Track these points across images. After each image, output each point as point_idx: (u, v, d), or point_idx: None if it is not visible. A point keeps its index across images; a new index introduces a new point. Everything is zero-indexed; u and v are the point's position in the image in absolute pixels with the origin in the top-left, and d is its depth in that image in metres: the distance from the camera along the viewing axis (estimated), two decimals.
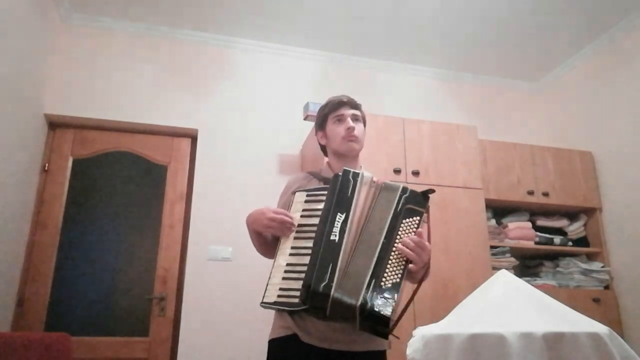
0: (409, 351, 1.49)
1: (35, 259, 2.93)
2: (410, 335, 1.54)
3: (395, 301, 1.24)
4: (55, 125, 3.20)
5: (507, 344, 1.38)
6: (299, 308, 1.32)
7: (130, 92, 3.29)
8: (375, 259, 1.30)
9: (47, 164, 3.11)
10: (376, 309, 1.23)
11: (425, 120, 3.24)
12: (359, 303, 1.24)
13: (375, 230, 1.35)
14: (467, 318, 1.53)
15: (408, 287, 1.37)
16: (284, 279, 1.38)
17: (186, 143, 3.37)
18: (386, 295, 1.25)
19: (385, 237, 1.34)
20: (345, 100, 1.67)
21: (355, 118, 1.67)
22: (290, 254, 1.41)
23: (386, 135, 3.06)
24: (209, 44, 3.53)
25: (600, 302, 3.17)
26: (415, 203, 1.39)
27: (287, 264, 1.40)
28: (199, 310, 2.96)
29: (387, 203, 1.39)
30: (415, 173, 3.00)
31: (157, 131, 3.33)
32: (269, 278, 1.41)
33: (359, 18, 3.34)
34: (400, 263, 1.31)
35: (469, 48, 3.68)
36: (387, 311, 1.23)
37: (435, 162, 3.07)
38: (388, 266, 1.30)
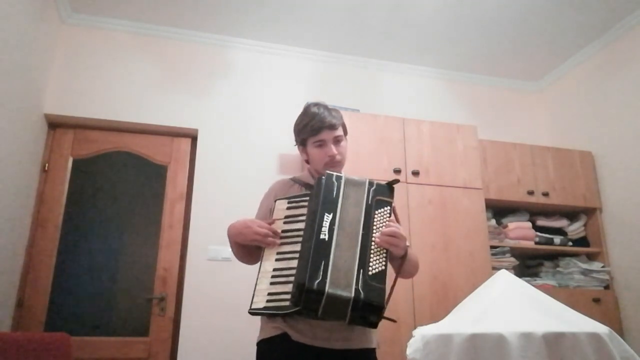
0: (409, 351, 1.49)
1: (35, 259, 2.93)
2: (410, 335, 1.54)
3: (384, 288, 1.29)
4: (55, 125, 3.20)
5: (507, 344, 1.38)
6: (291, 310, 1.31)
7: (130, 92, 3.29)
8: (358, 250, 1.34)
9: (47, 164, 3.11)
10: (370, 300, 1.26)
11: (425, 120, 3.24)
12: (352, 295, 1.26)
13: (353, 222, 1.39)
14: (467, 318, 1.53)
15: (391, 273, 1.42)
16: (272, 283, 1.38)
17: (186, 143, 3.37)
18: (375, 284, 1.29)
19: (363, 228, 1.38)
20: (325, 123, 1.58)
21: (336, 140, 1.61)
22: (277, 259, 1.43)
23: (386, 135, 3.06)
24: (209, 43, 3.53)
25: (600, 302, 3.17)
26: (383, 194, 1.46)
27: (274, 269, 1.41)
28: (199, 310, 2.96)
29: (358, 196, 1.44)
30: (415, 173, 3.00)
31: (157, 131, 3.33)
32: (256, 285, 1.41)
33: (359, 18, 3.34)
34: (381, 251, 1.36)
35: (469, 48, 3.68)
36: (381, 300, 1.27)
37: (435, 162, 3.07)
38: (372, 256, 1.34)
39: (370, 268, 1.31)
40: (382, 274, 1.31)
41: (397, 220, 1.49)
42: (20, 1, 2.62)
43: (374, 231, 1.38)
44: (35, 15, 2.84)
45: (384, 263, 1.34)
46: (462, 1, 3.16)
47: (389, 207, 1.44)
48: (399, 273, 1.46)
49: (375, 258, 1.33)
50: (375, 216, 1.41)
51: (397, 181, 1.48)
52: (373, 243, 1.36)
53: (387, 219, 1.42)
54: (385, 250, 1.36)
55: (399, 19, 3.35)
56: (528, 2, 3.16)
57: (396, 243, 1.38)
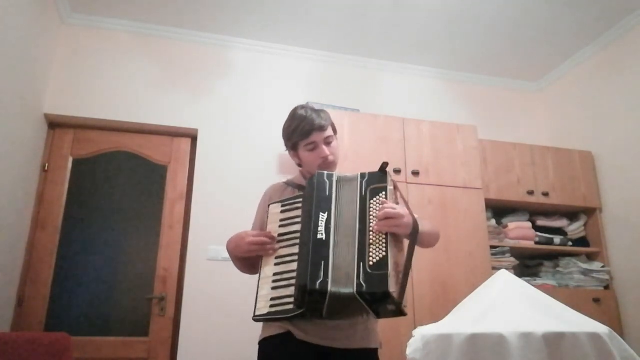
0: (409, 351, 1.49)
1: (35, 259, 2.93)
2: (410, 335, 1.54)
3: (387, 274, 1.26)
4: (55, 125, 3.20)
5: (507, 344, 1.38)
6: (295, 313, 1.31)
7: (130, 92, 3.29)
8: (357, 245, 1.33)
9: (47, 164, 3.10)
10: (373, 289, 1.24)
11: (425, 120, 3.24)
12: (355, 290, 1.25)
13: (349, 217, 1.38)
14: (467, 318, 1.53)
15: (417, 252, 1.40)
16: (273, 288, 1.38)
17: (186, 143, 3.37)
18: (376, 272, 1.27)
19: (359, 222, 1.37)
20: (315, 125, 1.58)
21: (327, 142, 1.60)
22: (276, 264, 1.42)
23: (386, 135, 3.06)
24: (209, 43, 3.53)
25: (600, 302, 3.17)
26: (376, 182, 1.44)
27: (275, 274, 1.40)
28: (199, 310, 2.96)
29: (351, 192, 1.43)
30: (415, 173, 3.00)
31: (157, 131, 3.33)
32: (257, 291, 1.41)
33: (359, 18, 3.34)
34: (380, 240, 1.33)
35: (469, 48, 3.68)
36: (383, 287, 1.24)
37: (435, 162, 3.07)
38: (370, 247, 1.32)
39: (370, 259, 1.29)
40: (383, 261, 1.28)
41: (403, 200, 1.46)
42: (20, 1, 2.62)
43: (371, 220, 1.36)
44: (35, 15, 2.84)
45: (384, 249, 1.30)
46: (462, 1, 3.16)
47: (384, 192, 1.41)
48: (412, 250, 1.38)
49: (374, 247, 1.31)
50: (372, 205, 1.39)
51: (386, 164, 1.46)
52: (371, 232, 1.34)
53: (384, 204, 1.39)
54: (384, 236, 1.33)
55: (399, 19, 3.35)
56: (528, 2, 3.15)
57: (394, 224, 1.33)
